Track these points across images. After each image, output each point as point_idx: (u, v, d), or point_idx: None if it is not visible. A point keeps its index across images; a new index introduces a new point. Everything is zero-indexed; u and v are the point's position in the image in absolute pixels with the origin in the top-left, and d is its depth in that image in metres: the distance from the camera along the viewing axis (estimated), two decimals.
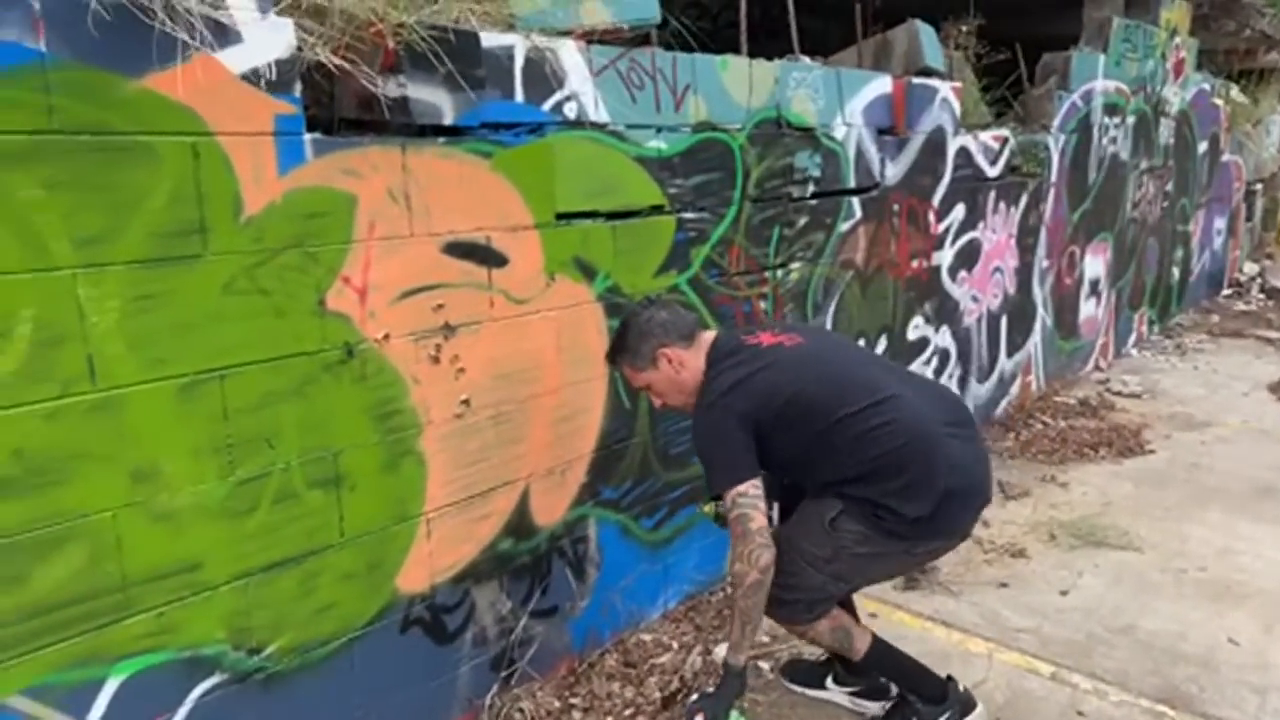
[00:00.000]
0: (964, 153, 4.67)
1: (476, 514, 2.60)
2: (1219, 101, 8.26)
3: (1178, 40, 7.04)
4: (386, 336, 2.30)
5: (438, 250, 2.39)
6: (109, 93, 1.77)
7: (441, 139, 2.37)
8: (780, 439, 2.25)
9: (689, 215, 3.11)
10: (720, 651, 2.85)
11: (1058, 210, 5.75)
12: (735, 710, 2.34)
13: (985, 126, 5.01)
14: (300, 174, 2.09)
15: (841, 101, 3.77)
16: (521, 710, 2.70)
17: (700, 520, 3.16)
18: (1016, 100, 5.59)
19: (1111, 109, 6.14)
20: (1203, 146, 8.04)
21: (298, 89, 2.06)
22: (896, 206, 4.22)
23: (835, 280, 3.90)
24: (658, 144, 2.95)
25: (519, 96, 2.55)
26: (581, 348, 2.81)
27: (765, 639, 3.06)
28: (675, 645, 3.08)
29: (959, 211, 4.72)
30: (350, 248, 2.20)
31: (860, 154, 3.92)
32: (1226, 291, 9.70)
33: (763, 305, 3.50)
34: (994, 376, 5.36)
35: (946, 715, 2.53)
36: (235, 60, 1.94)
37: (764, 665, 2.98)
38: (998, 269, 5.21)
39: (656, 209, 2.99)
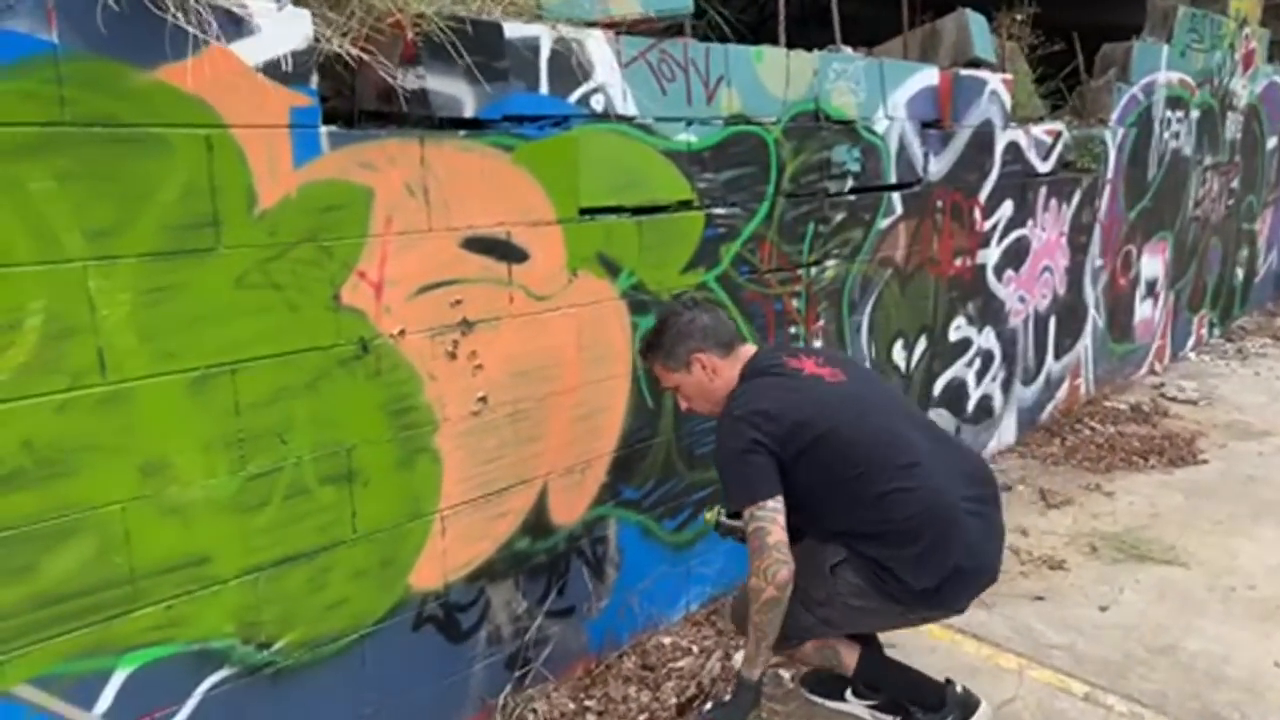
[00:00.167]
0: (1014, 147, 4.51)
1: (493, 512, 2.57)
2: None
3: (1248, 31, 6.73)
4: (402, 332, 2.28)
5: (456, 245, 2.36)
6: (121, 84, 1.76)
7: (462, 132, 2.33)
8: (801, 474, 2.17)
9: (719, 211, 3.03)
10: (740, 658, 2.79)
11: (1114, 208, 5.54)
12: None
13: (1038, 120, 4.84)
14: (316, 167, 2.07)
15: (884, 94, 3.66)
16: (535, 711, 2.68)
17: None
18: (1073, 93, 5.39)
19: (1175, 102, 5.90)
20: (1272, 142, 7.71)
21: (314, 80, 2.04)
22: (940, 203, 4.09)
23: (873, 278, 3.80)
24: (687, 137, 2.88)
25: (544, 88, 2.50)
26: (603, 345, 2.76)
27: None
28: (695, 649, 3.03)
29: (1007, 208, 4.56)
30: (366, 242, 2.18)
31: (903, 148, 3.80)
32: None
33: (795, 304, 3.42)
34: (1040, 379, 5.19)
35: None
36: (250, 51, 1.92)
37: (785, 674, 2.92)
38: (1047, 268, 5.04)
39: (685, 204, 2.92)
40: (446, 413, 2.41)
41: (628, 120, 2.71)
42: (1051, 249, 5.04)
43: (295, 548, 2.17)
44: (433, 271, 2.32)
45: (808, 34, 4.27)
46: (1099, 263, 5.53)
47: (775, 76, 3.16)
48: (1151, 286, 6.26)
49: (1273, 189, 8.00)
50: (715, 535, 2.87)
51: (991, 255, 4.53)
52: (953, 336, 4.40)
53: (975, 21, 4.31)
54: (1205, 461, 4.84)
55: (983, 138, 4.26)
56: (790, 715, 2.75)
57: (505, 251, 2.47)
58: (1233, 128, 6.82)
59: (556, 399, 2.66)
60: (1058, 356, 5.32)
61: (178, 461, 1.95)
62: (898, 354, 4.05)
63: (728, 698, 2.47)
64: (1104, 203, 5.41)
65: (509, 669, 2.70)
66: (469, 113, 2.33)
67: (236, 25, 1.87)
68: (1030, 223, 4.78)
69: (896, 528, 2.16)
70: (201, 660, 2.05)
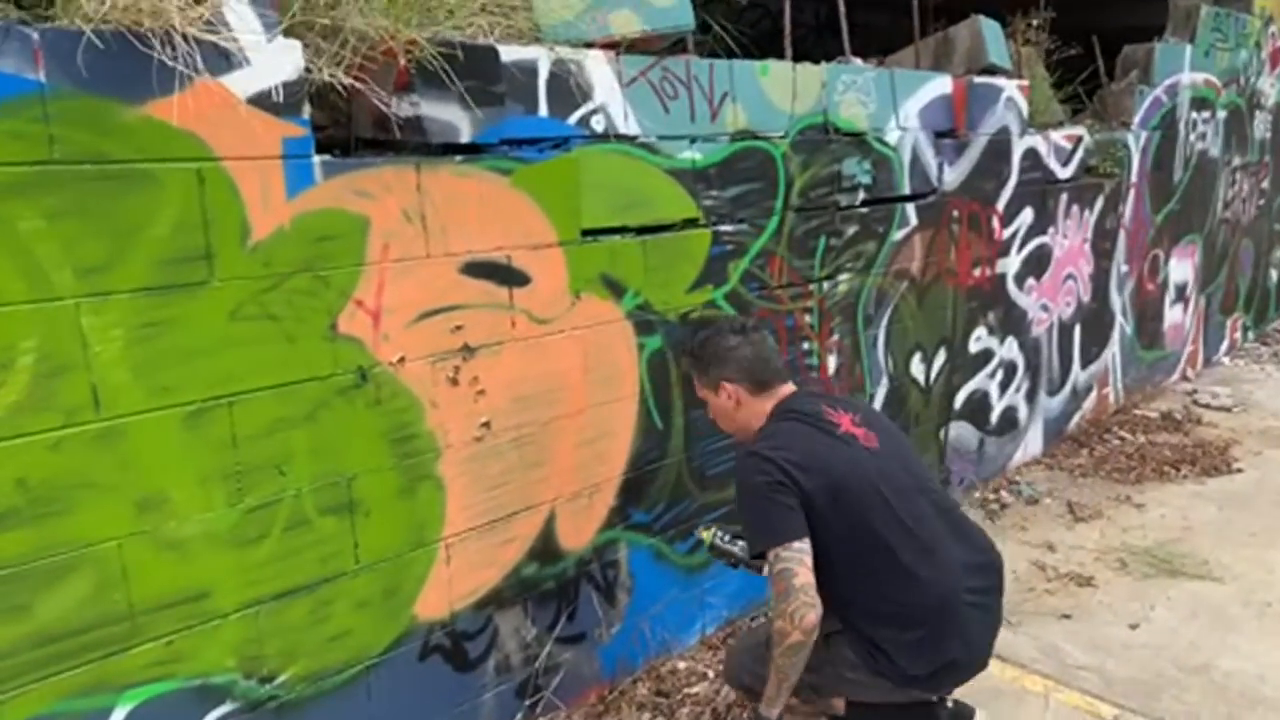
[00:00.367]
0: (1032, 154, 4.43)
1: (499, 538, 2.54)
2: None
3: (1274, 29, 6.59)
4: (402, 359, 2.26)
5: (455, 271, 2.34)
6: (109, 121, 1.76)
7: (459, 157, 2.31)
8: (816, 532, 2.07)
9: (726, 228, 2.99)
10: None
11: (1139, 212, 5.43)
12: None
13: (1058, 125, 4.75)
14: (310, 197, 2.06)
15: (895, 104, 3.60)
16: None
17: None
18: (1093, 97, 5.29)
19: (1200, 103, 5.77)
20: None
21: (306, 111, 2.03)
22: (956, 212, 4.02)
23: (888, 291, 3.73)
24: (692, 155, 2.85)
25: (543, 111, 2.48)
26: (609, 367, 2.73)
27: None
28: (710, 674, 2.97)
29: (1026, 216, 4.48)
30: (363, 270, 2.16)
31: (916, 158, 3.74)
32: None
33: (807, 319, 3.37)
34: (1066, 389, 5.08)
35: None
36: (240, 84, 1.91)
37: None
38: (1070, 275, 4.94)
39: (690, 222, 2.88)
40: (449, 439, 2.38)
41: (630, 140, 2.68)
42: (1074, 256, 4.94)
43: (296, 580, 2.15)
44: (432, 298, 2.30)
45: (823, 43, 4.23)
46: (1125, 268, 5.41)
47: (781, 90, 3.12)
48: (1181, 291, 6.12)
49: None
50: None
51: (1011, 264, 4.45)
52: (973, 348, 4.31)
53: (989, 28, 4.24)
54: (1240, 471, 4.70)
55: (999, 145, 4.19)
56: None
57: (506, 275, 2.44)
58: (1261, 127, 6.67)
59: (562, 422, 2.63)
60: (1084, 365, 5.21)
61: (175, 496, 1.94)
62: (916, 367, 3.98)
63: None
64: (1129, 207, 5.30)
65: (519, 697, 2.67)
66: (465, 138, 2.31)
67: (225, 59, 1.87)
68: (1051, 230, 4.68)
69: (899, 610, 2.09)
70: (202, 696, 2.04)
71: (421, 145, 2.26)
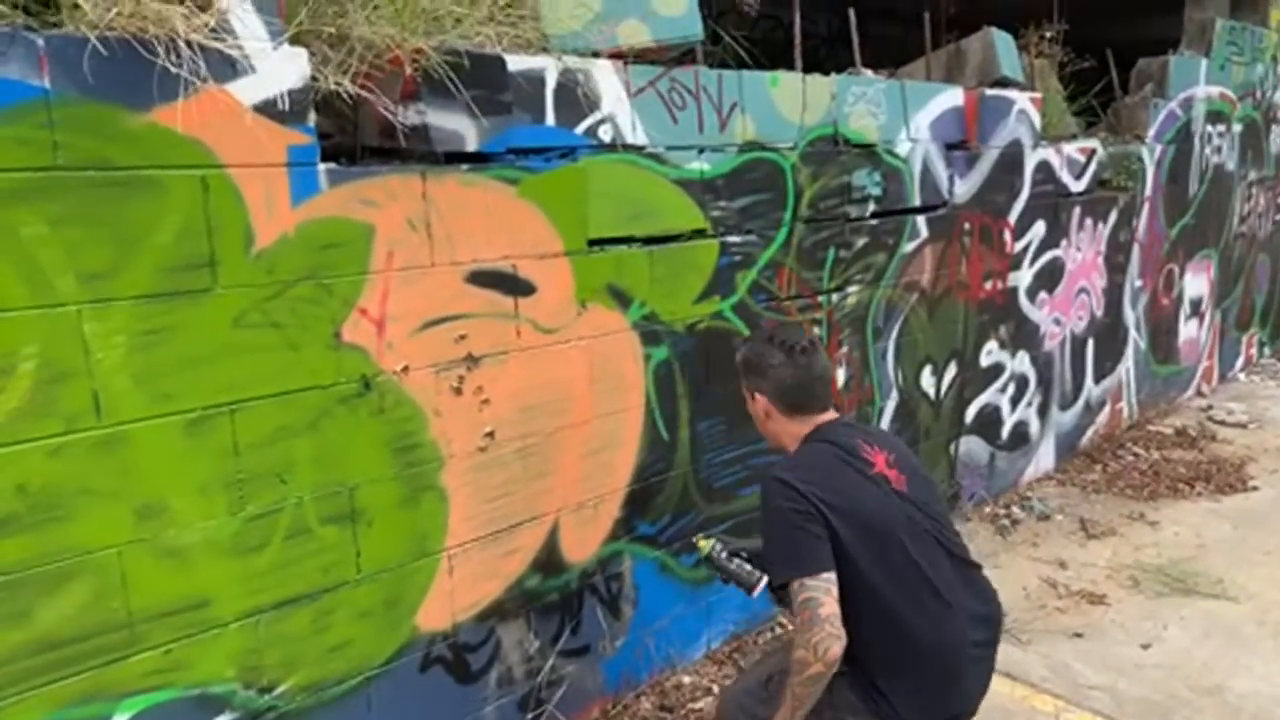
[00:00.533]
0: (1045, 167, 4.40)
1: (502, 550, 2.52)
2: None
3: None
4: (406, 368, 2.25)
5: (460, 280, 2.33)
6: (114, 127, 1.76)
7: (465, 166, 2.31)
8: (838, 566, 2.02)
9: (734, 239, 2.98)
10: None
11: (1153, 226, 5.38)
12: None
13: (1071, 138, 4.72)
14: (314, 205, 2.05)
15: (906, 116, 3.58)
16: None
17: None
18: (1107, 110, 5.26)
19: (1215, 116, 5.73)
20: None
21: (311, 119, 2.03)
22: (967, 225, 3.99)
23: (898, 304, 3.71)
24: (700, 165, 2.83)
25: (550, 120, 2.47)
26: (615, 377, 2.71)
27: None
28: (715, 689, 2.94)
29: (1039, 229, 4.45)
30: (367, 279, 2.16)
31: (926, 170, 3.72)
32: None
33: (816, 331, 3.34)
34: (1079, 403, 5.03)
35: None
36: (246, 91, 1.91)
37: None
38: (1083, 289, 4.90)
39: (698, 233, 2.87)
40: (452, 449, 2.37)
41: (637, 150, 2.67)
42: (1088, 270, 4.90)
43: (297, 589, 2.13)
44: (436, 307, 2.29)
45: (835, 55, 4.22)
46: (1139, 283, 5.37)
47: (791, 101, 3.11)
48: (1196, 306, 6.06)
49: None
50: None
51: (1023, 277, 4.41)
52: (984, 361, 4.27)
53: (1001, 40, 4.22)
54: (1255, 488, 4.64)
55: (1011, 158, 4.16)
56: None
57: (511, 285, 2.43)
58: (1277, 141, 6.61)
59: (567, 433, 2.61)
60: (1097, 380, 5.16)
61: (175, 504, 1.93)
62: (926, 381, 3.95)
63: None
64: (1143, 221, 5.26)
65: (522, 710, 2.64)
66: (472, 147, 2.31)
67: (230, 66, 1.87)
68: (1064, 243, 4.65)
69: (904, 657, 2.05)
70: (202, 705, 2.02)
71: (428, 154, 2.26)
